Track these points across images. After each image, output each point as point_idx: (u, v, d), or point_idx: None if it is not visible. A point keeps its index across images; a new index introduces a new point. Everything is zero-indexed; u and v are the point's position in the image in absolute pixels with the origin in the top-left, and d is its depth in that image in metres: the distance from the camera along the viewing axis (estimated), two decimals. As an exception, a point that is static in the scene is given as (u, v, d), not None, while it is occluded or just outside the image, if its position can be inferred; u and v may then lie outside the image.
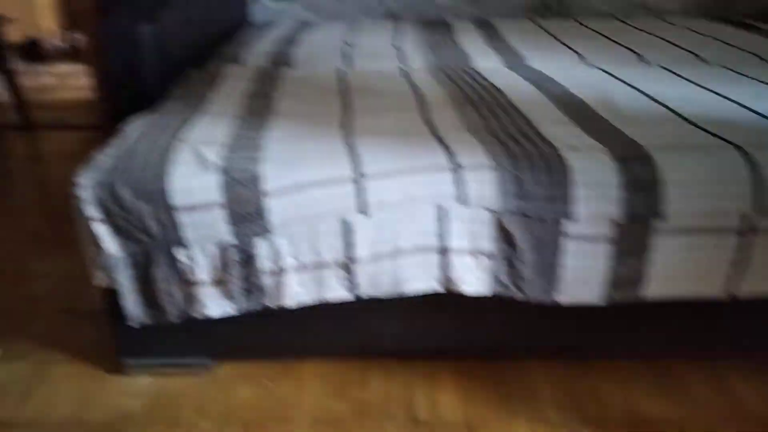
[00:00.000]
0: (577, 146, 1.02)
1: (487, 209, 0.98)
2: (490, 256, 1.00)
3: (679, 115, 1.18)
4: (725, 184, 0.98)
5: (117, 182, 0.99)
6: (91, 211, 0.99)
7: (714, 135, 1.06)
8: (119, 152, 1.06)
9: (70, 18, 4.11)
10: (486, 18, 2.29)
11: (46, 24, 3.95)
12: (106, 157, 1.05)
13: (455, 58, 1.72)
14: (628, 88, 1.37)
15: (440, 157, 1.01)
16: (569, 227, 0.97)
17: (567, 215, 0.97)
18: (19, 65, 2.67)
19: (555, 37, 1.92)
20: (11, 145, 2.53)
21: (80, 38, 4.32)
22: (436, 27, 2.16)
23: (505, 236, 0.99)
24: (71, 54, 4.03)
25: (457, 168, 0.98)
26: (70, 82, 3.40)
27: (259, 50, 1.84)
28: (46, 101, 3.02)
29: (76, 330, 1.30)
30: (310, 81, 1.52)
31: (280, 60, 1.74)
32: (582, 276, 1.01)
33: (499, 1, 2.33)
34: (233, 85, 1.47)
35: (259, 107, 1.30)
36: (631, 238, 0.98)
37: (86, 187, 1.00)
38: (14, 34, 3.13)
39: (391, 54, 1.81)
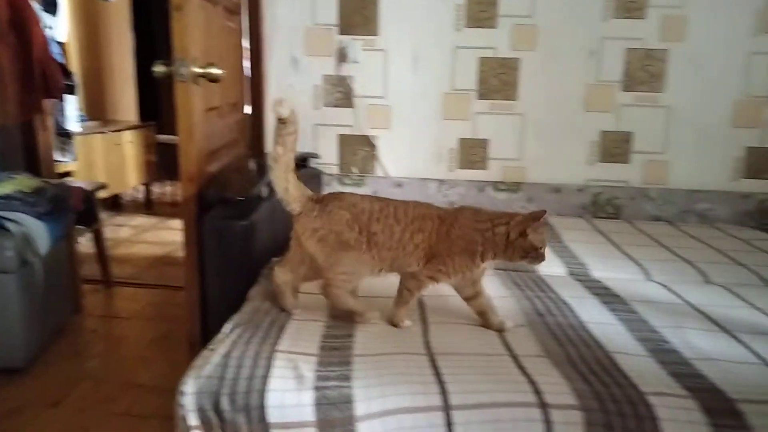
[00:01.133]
0: (662, 391, 1.05)
1: (577, 453, 0.99)
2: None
3: (761, 358, 1.19)
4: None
5: (220, 393, 1.05)
6: (193, 419, 1.05)
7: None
8: (223, 360, 1.13)
9: (149, 175, 4.53)
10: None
11: (132, 182, 4.35)
12: (210, 366, 1.12)
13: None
14: (701, 316, 1.41)
15: (527, 394, 1.04)
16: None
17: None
18: (101, 217, 2.94)
19: (613, 243, 2.01)
20: (90, 300, 2.68)
21: (155, 191, 4.73)
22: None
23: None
24: (146, 205, 4.40)
25: (544, 407, 1.02)
26: (146, 236, 3.66)
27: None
28: (124, 255, 3.24)
29: None
30: (386, 281, 1.61)
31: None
32: None
33: (554, 198, 2.48)
34: (316, 282, 1.58)
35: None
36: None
37: (190, 395, 1.06)
38: (103, 193, 3.43)
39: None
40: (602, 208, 2.47)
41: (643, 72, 2.39)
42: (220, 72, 1.76)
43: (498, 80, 2.43)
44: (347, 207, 1.29)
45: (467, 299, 1.35)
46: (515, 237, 1.22)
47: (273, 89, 2.54)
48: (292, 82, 2.52)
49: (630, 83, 2.40)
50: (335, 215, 1.28)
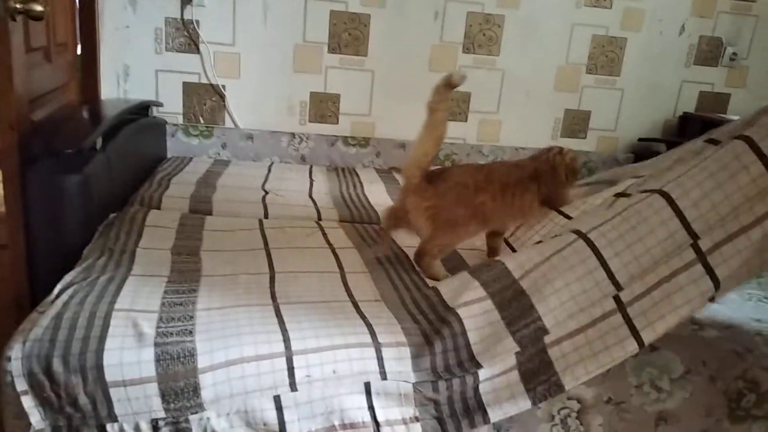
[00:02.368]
0: (465, 301, 1.19)
1: (408, 382, 1.10)
2: (419, 419, 1.10)
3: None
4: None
5: (52, 356, 1.02)
6: (21, 384, 1.00)
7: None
8: (54, 322, 1.08)
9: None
10: (386, 169, 2.56)
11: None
12: (39, 328, 1.07)
13: (363, 213, 1.92)
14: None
15: (363, 335, 1.13)
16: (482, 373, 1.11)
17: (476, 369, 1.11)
18: None
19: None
20: None
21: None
22: (344, 174, 2.40)
23: (428, 400, 1.11)
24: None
25: (377, 345, 1.12)
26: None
27: (178, 193, 1.93)
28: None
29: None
30: (234, 235, 1.63)
31: (200, 207, 1.84)
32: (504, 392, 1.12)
33: (400, 153, 2.61)
34: (158, 237, 1.54)
35: (188, 267, 1.38)
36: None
37: (17, 359, 1.01)
38: None
39: (307, 204, 1.97)
40: (442, 163, 2.65)
41: (482, 35, 2.56)
42: (43, 9, 1.59)
43: (349, 35, 2.46)
44: (454, 186, 1.39)
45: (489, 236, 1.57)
46: (569, 161, 1.46)
47: (108, 31, 2.34)
48: (129, 23, 2.34)
49: (470, 45, 2.56)
50: (445, 195, 1.38)
